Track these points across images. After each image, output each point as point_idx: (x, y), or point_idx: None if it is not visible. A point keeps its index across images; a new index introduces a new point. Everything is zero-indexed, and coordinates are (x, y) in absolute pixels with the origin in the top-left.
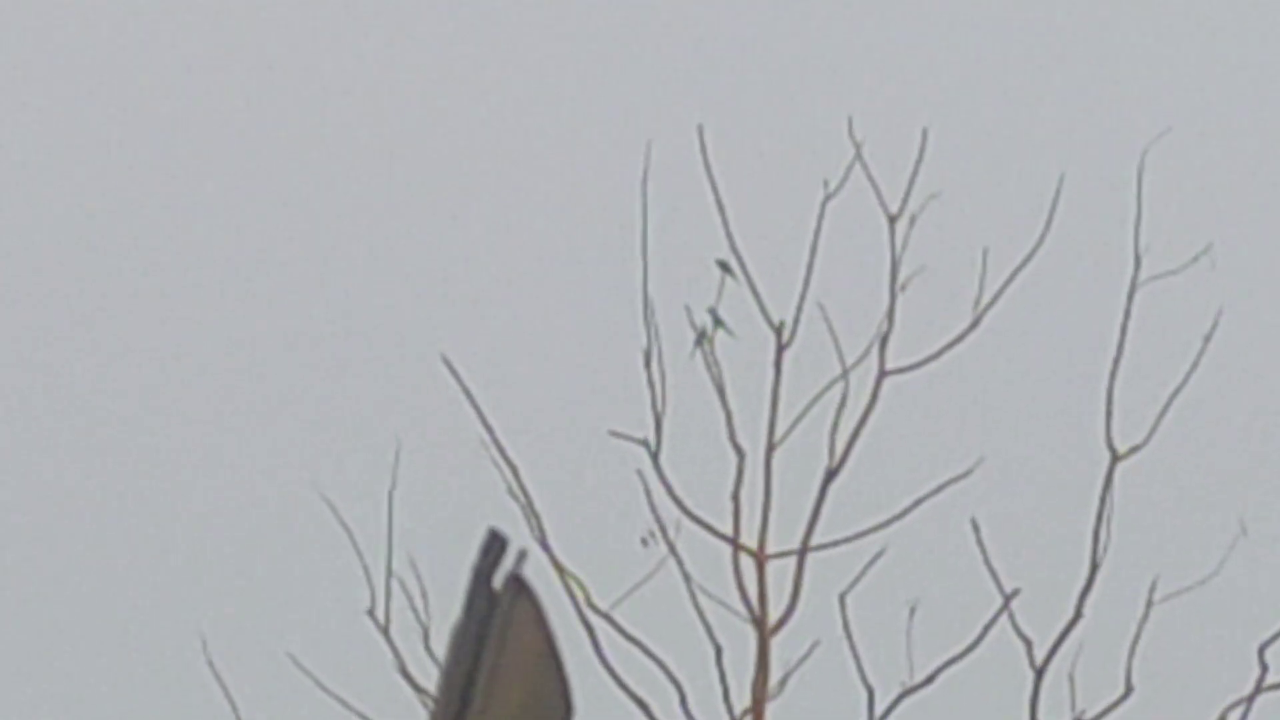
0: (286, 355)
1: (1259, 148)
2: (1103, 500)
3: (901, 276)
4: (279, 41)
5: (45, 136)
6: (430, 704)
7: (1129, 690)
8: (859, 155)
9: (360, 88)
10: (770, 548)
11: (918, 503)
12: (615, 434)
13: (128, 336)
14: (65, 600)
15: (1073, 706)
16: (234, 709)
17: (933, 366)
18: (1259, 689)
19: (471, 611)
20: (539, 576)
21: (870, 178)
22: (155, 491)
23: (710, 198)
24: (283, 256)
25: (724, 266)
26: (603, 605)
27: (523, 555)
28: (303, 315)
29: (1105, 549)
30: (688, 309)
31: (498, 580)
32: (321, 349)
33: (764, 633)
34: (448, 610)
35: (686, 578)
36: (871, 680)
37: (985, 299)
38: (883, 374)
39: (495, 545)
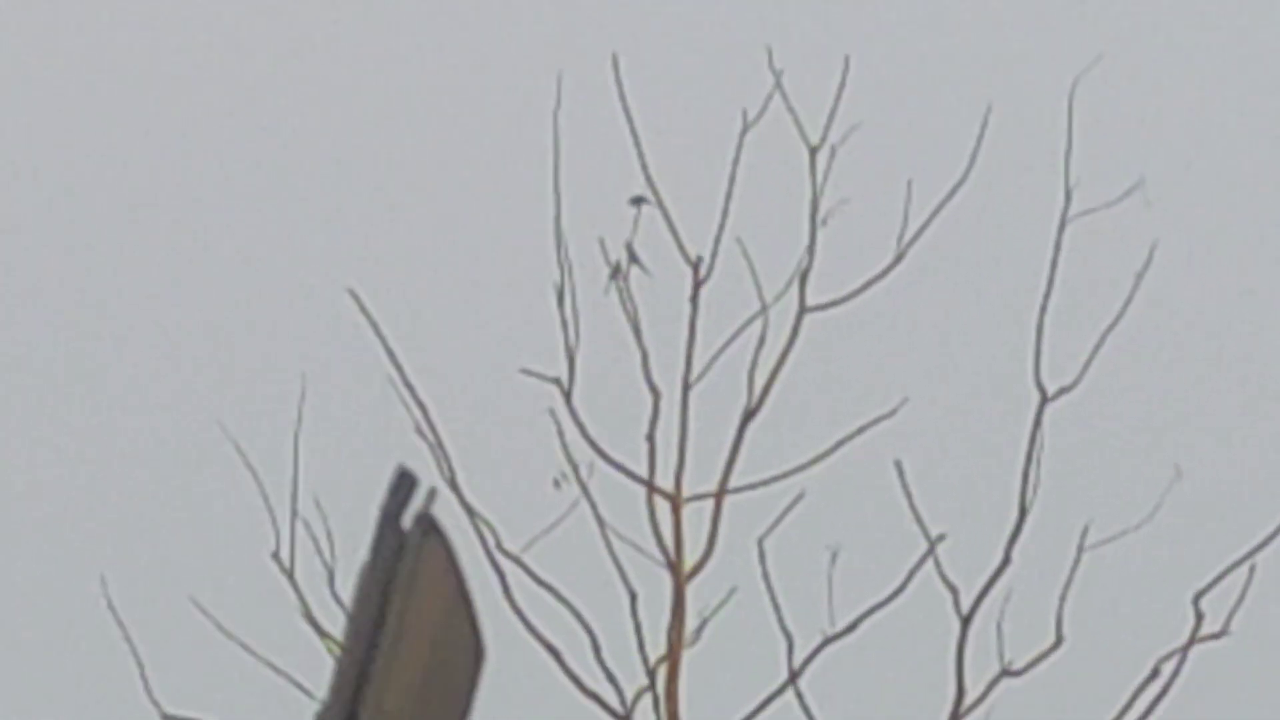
0: (190, 289)
1: (1193, 77)
2: (1032, 442)
3: (822, 210)
4: None
5: None
6: (337, 647)
7: (1059, 640)
8: (778, 84)
9: (278, 12)
10: (687, 490)
11: (839, 444)
12: (527, 372)
13: (40, 265)
14: None
15: (1001, 656)
16: (134, 652)
17: (855, 303)
18: (1193, 639)
19: (379, 552)
20: (448, 518)
21: (790, 108)
22: (57, 428)
23: (625, 129)
24: (190, 187)
25: (638, 200)
26: (513, 548)
27: (432, 495)
28: (207, 247)
29: (1035, 493)
30: (602, 243)
31: (406, 520)
32: (225, 283)
33: (680, 578)
34: (354, 553)
35: (600, 521)
36: (791, 628)
37: (909, 233)
38: (803, 311)
39: (404, 484)
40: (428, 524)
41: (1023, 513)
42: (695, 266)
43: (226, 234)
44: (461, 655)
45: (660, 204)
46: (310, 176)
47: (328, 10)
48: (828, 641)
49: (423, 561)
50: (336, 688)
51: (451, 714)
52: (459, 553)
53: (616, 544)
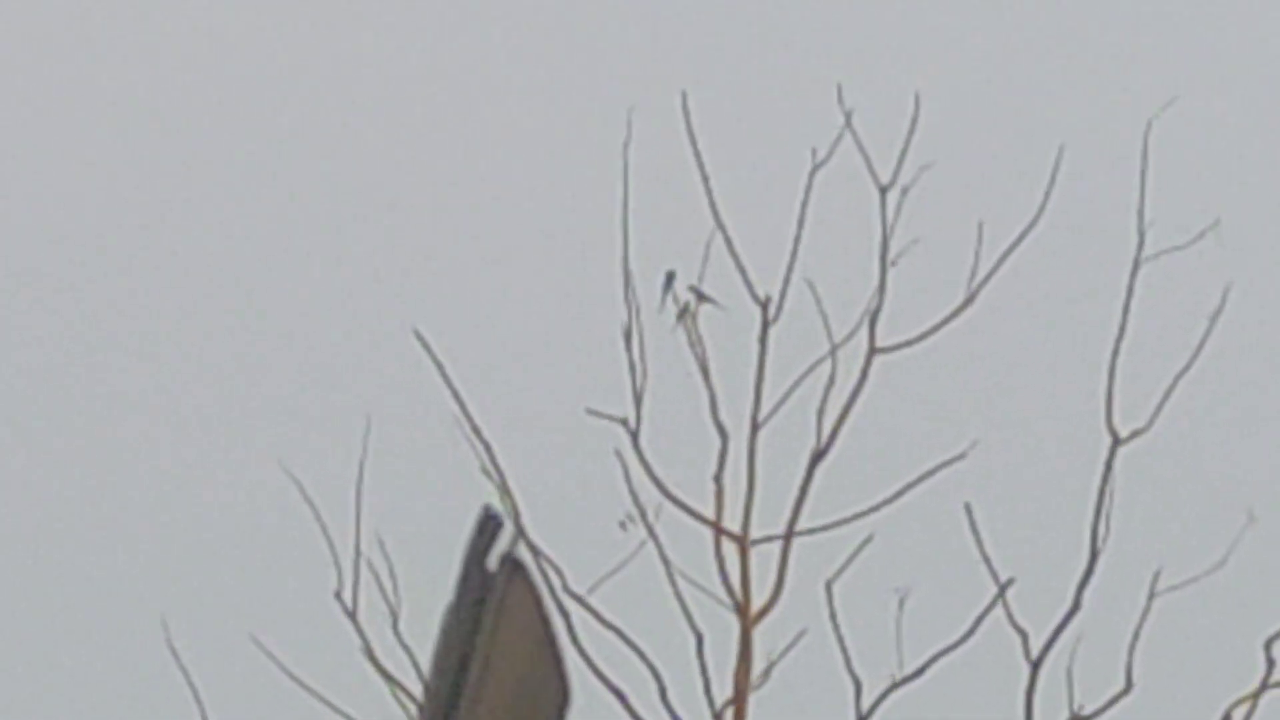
0: (256, 330)
1: (1268, 119)
2: (1103, 486)
3: (893, 250)
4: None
5: None
6: (399, 688)
7: (1129, 686)
8: (848, 123)
9: (334, 52)
10: (754, 532)
11: (909, 486)
12: (593, 412)
13: (95, 316)
14: (29, 584)
15: (1070, 702)
16: (195, 694)
17: (925, 344)
18: (1265, 686)
19: (465, 592)
20: (532, 559)
21: (860, 147)
22: (120, 471)
23: (695, 168)
24: (254, 231)
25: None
26: (579, 590)
27: (518, 535)
28: (273, 289)
29: (1105, 537)
30: (668, 282)
31: (492, 560)
32: (291, 323)
33: (747, 621)
34: (417, 594)
35: (666, 563)
36: (859, 672)
37: (981, 274)
38: (873, 352)
39: (490, 525)
40: (513, 564)
41: (1093, 557)
42: (764, 306)
43: (295, 275)
44: (546, 696)
45: (729, 243)
46: (379, 216)
47: (403, 44)
48: (895, 685)
49: (508, 602)
50: None
51: None
52: (544, 594)
53: (683, 586)
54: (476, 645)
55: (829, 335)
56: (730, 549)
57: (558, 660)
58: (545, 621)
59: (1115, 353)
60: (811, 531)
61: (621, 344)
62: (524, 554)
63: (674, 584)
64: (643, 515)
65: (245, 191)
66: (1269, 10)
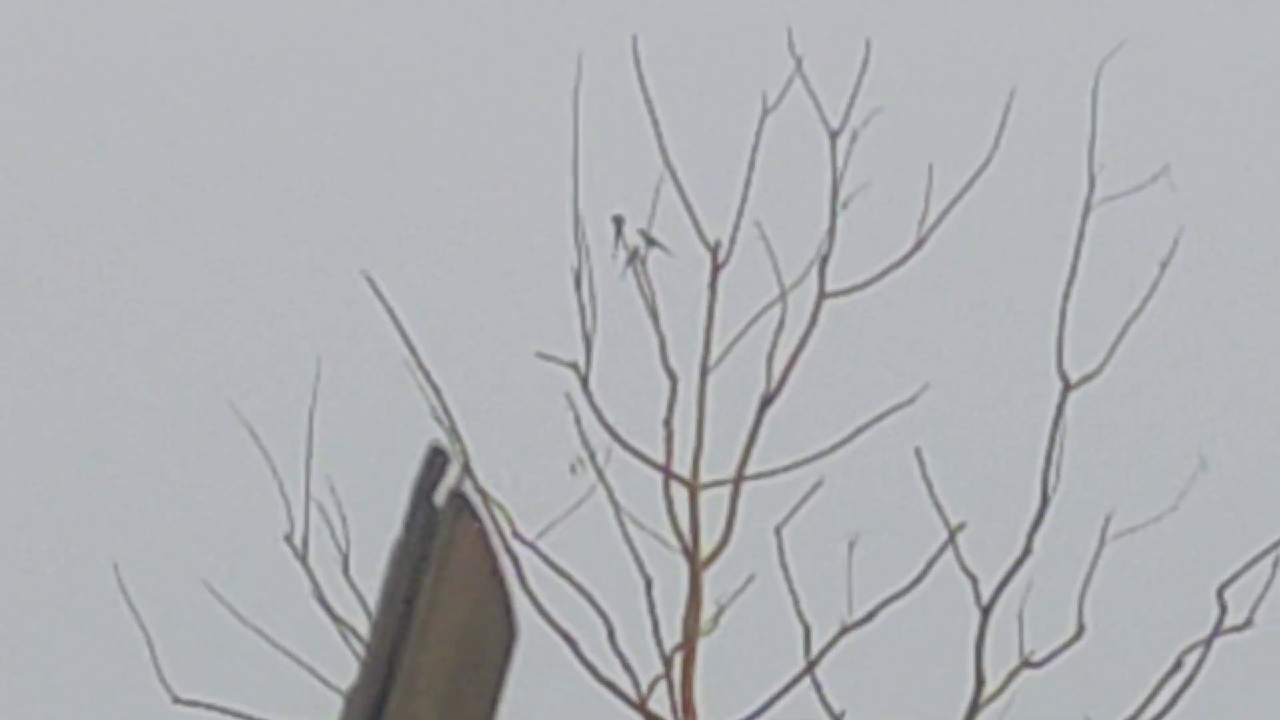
0: (203, 270)
1: (1218, 63)
2: (1054, 431)
3: (843, 194)
4: None
5: None
6: (350, 631)
7: (1081, 631)
8: (799, 68)
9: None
10: (704, 477)
11: (859, 431)
12: (543, 356)
13: (45, 253)
14: None
15: (1021, 647)
16: (146, 636)
17: (875, 289)
18: (1217, 631)
19: (412, 529)
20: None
21: (810, 91)
22: (67, 412)
23: (644, 112)
24: (202, 173)
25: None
26: (528, 534)
27: (465, 472)
28: (221, 231)
29: (1056, 482)
30: (618, 226)
31: (439, 497)
32: (240, 265)
33: (696, 565)
34: (368, 537)
35: (616, 507)
36: (809, 617)
37: (931, 219)
38: (823, 296)
39: (436, 461)
40: (461, 501)
41: (1044, 502)
42: (714, 251)
43: (242, 217)
44: (494, 633)
45: (679, 188)
46: (326, 159)
47: None
48: (846, 630)
49: (456, 539)
50: (368, 664)
51: (484, 692)
52: (492, 530)
53: (633, 530)
54: (423, 582)
55: (779, 279)
56: (680, 493)
57: (505, 597)
58: (493, 557)
59: (1066, 297)
60: (761, 476)
61: (571, 288)
62: (471, 491)
63: (623, 528)
64: (592, 459)
65: (192, 131)
66: None
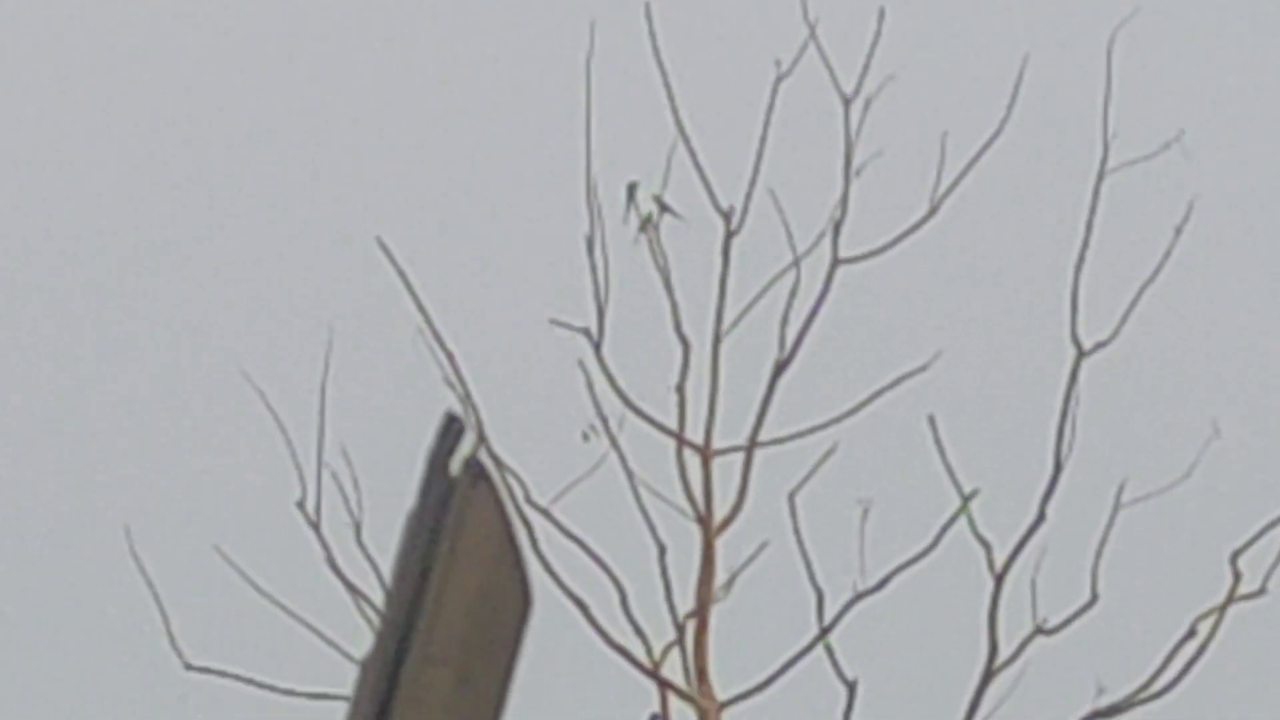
0: (216, 240)
1: (1232, 30)
2: (1067, 397)
3: (856, 161)
4: None
5: None
6: (385, 591)
7: (1094, 598)
8: (813, 34)
9: None
10: (717, 443)
11: (872, 397)
12: (556, 322)
13: (64, 227)
14: None
15: (1034, 614)
16: (158, 602)
17: (888, 255)
18: (1231, 598)
19: (427, 497)
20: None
21: (824, 58)
22: (79, 377)
23: (658, 79)
24: (216, 139)
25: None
26: (541, 500)
27: (480, 440)
28: (235, 199)
29: (1070, 449)
30: (631, 192)
31: (454, 465)
32: (253, 232)
33: (709, 532)
34: (380, 504)
35: (629, 473)
36: (821, 583)
37: (944, 185)
38: (836, 263)
39: (452, 430)
40: (476, 470)
41: (1057, 469)
42: (727, 217)
43: (253, 182)
44: (509, 601)
45: (692, 154)
46: (342, 125)
47: None
48: (859, 597)
49: (471, 507)
50: (383, 633)
51: (498, 659)
52: (507, 499)
53: (646, 497)
54: (438, 551)
55: (792, 246)
56: (693, 460)
57: (520, 565)
58: (508, 526)
59: (1079, 264)
60: (774, 442)
61: (584, 254)
62: (486, 459)
63: (636, 494)
64: (605, 425)
65: (206, 99)
66: None
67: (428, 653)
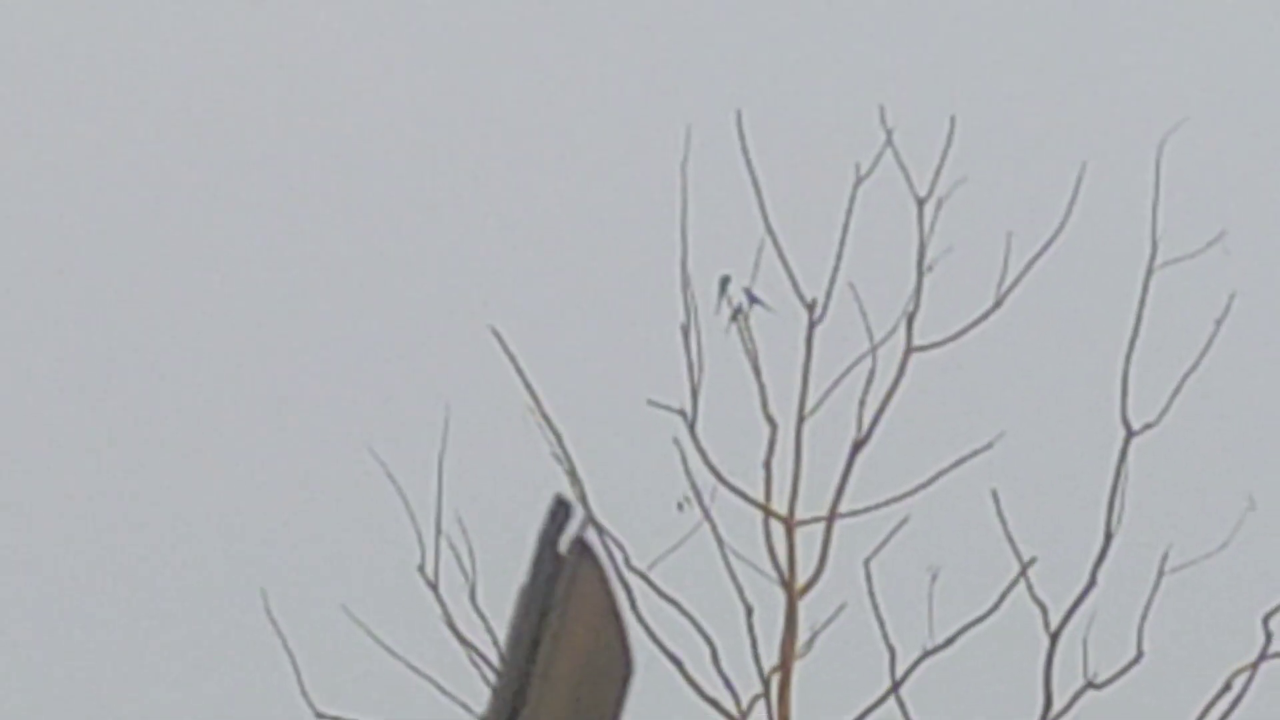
0: (345, 328)
1: (1270, 138)
2: (1117, 474)
3: (929, 257)
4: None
5: None
6: (476, 654)
7: (1140, 655)
8: (890, 141)
9: (419, 59)
10: (800, 514)
11: (941, 474)
12: (654, 403)
13: (198, 307)
14: (134, 557)
15: (1085, 670)
16: (291, 657)
17: (957, 344)
18: (1263, 656)
19: (538, 574)
20: (602, 543)
21: (900, 163)
22: (222, 455)
23: (748, 181)
24: (339, 228)
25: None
26: (641, 565)
27: (587, 521)
28: (360, 289)
29: (1119, 521)
30: (723, 285)
31: (563, 544)
32: (377, 321)
33: (792, 595)
34: (494, 567)
35: (720, 541)
36: (894, 641)
37: (1008, 280)
38: (909, 350)
39: (561, 511)
40: (583, 548)
41: (1108, 538)
42: (810, 308)
43: (379, 275)
44: (612, 669)
45: (779, 250)
46: (457, 219)
47: (487, 56)
48: (927, 654)
49: (578, 583)
50: (496, 700)
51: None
52: (611, 574)
53: (735, 563)
54: (547, 623)
55: (869, 335)
56: (778, 529)
57: (623, 635)
58: (612, 599)
59: (1129, 353)
60: (852, 514)
61: (680, 341)
62: (593, 538)
63: (726, 561)
64: (698, 498)
65: (340, 193)
66: (1270, 36)
67: (538, 716)
